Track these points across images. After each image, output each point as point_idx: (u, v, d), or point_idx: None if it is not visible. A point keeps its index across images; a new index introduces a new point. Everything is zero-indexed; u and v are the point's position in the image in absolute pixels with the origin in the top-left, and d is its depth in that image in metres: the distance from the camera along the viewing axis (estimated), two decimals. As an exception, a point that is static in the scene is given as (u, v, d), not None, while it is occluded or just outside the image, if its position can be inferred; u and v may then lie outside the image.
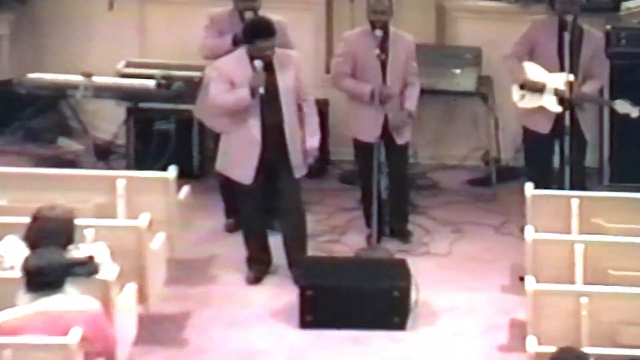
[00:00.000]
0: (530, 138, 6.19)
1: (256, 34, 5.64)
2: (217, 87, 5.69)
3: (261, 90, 5.58)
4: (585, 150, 6.20)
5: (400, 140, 6.10)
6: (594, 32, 6.22)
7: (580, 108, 6.06)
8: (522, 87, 6.09)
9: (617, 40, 6.77)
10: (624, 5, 7.06)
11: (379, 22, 6.00)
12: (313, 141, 5.74)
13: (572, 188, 5.89)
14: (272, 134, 5.66)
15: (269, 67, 5.66)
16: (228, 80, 5.64)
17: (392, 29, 6.10)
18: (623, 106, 6.05)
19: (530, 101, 6.10)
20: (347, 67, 6.08)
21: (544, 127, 6.06)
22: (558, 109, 6.00)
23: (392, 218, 6.26)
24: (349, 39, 6.16)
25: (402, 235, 6.22)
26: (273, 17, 5.96)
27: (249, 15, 6.00)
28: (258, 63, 5.59)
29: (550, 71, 6.07)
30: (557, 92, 6.00)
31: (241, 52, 5.70)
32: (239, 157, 5.70)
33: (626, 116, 6.05)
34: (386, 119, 6.06)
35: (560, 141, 6.04)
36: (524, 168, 6.49)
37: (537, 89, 6.04)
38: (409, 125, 6.13)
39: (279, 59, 5.70)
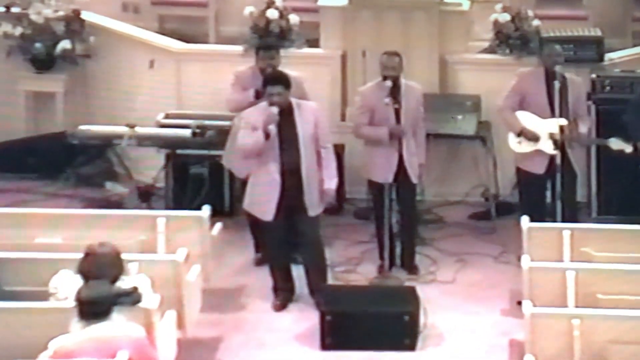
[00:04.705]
0: (525, 178, 6.18)
1: (266, 82, 5.76)
2: (242, 134, 5.76)
3: (272, 127, 5.57)
4: (576, 185, 6.19)
5: (415, 179, 6.10)
6: (575, 78, 6.23)
7: (572, 147, 6.06)
8: (519, 135, 6.11)
9: (602, 87, 6.79)
10: (607, 56, 7.08)
11: (390, 76, 6.07)
12: (330, 184, 5.76)
13: (565, 220, 5.88)
14: (291, 177, 5.70)
15: (289, 116, 5.72)
16: (252, 127, 5.70)
17: (403, 80, 6.15)
18: (617, 143, 6.03)
19: (527, 146, 6.11)
20: (364, 118, 6.13)
21: (539, 168, 6.05)
22: (554, 151, 6.00)
23: (402, 252, 6.26)
24: (364, 92, 6.21)
25: (410, 269, 6.23)
26: (291, 73, 6.04)
27: (268, 70, 6.08)
28: (273, 109, 5.65)
29: (542, 117, 6.10)
30: (552, 136, 6.02)
31: (264, 103, 5.78)
32: (262, 196, 5.74)
33: (621, 152, 6.02)
34: (400, 161, 6.09)
35: (553, 179, 6.05)
36: (519, 204, 6.51)
37: (534, 136, 6.06)
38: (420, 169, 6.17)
39: (300, 108, 5.76)
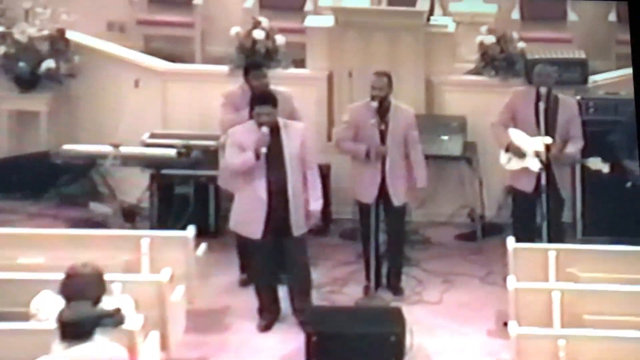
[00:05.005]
0: (515, 196, 6.24)
1: (254, 102, 5.76)
2: (229, 151, 5.77)
3: (264, 150, 5.62)
4: (562, 207, 6.21)
5: (397, 202, 6.11)
6: (568, 100, 6.28)
7: (558, 167, 6.09)
8: (507, 150, 6.15)
9: (587, 109, 6.82)
10: (592, 78, 7.13)
11: (377, 97, 6.09)
12: (316, 205, 5.77)
13: (550, 241, 5.90)
14: (277, 196, 5.70)
15: (276, 135, 5.72)
16: (238, 145, 5.71)
17: (393, 101, 6.15)
18: (595, 163, 6.10)
19: (516, 163, 6.15)
20: (349, 133, 6.14)
21: (527, 186, 6.09)
22: (539, 169, 6.03)
23: (387, 273, 6.25)
24: (353, 109, 6.23)
25: (395, 290, 6.22)
26: (280, 89, 6.06)
27: (261, 89, 6.07)
28: (264, 129, 5.66)
29: (530, 135, 6.14)
30: (537, 154, 6.05)
31: (251, 122, 5.78)
32: (247, 215, 5.73)
33: (598, 172, 6.09)
34: (383, 181, 6.10)
35: (540, 199, 6.07)
36: (506, 224, 6.53)
37: (520, 152, 6.10)
38: (406, 189, 6.13)
39: (287, 128, 5.77)
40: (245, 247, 6.03)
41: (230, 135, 5.84)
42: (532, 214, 6.13)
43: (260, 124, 5.69)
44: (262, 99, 5.77)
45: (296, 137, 5.77)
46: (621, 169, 6.19)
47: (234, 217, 5.85)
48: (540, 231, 6.04)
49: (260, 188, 5.70)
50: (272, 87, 6.18)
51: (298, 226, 5.76)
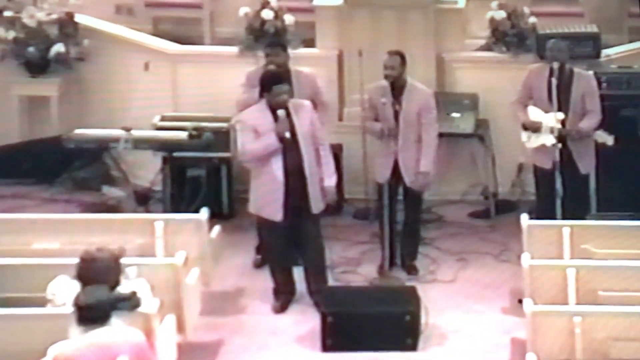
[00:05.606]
0: (536, 173, 6.24)
1: (272, 82, 5.71)
2: (244, 137, 5.75)
3: (287, 135, 5.63)
4: (583, 182, 6.18)
5: (409, 183, 6.08)
6: (583, 73, 6.24)
7: (575, 142, 6.04)
8: (524, 128, 6.14)
9: (599, 83, 6.79)
10: (604, 52, 7.09)
11: (390, 76, 6.07)
12: (330, 181, 5.78)
13: (566, 217, 5.86)
14: (294, 177, 5.70)
15: (287, 115, 5.71)
16: (252, 129, 5.70)
17: (409, 81, 6.13)
18: (601, 136, 6.09)
19: (535, 141, 6.14)
20: (371, 113, 6.16)
21: (545, 162, 6.07)
22: (553, 145, 6.01)
23: (403, 253, 6.26)
24: (369, 89, 6.24)
25: (410, 269, 6.23)
26: (304, 70, 6.03)
27: (270, 68, 6.03)
28: (281, 112, 5.65)
29: (545, 112, 6.12)
30: (552, 130, 6.04)
31: (261, 103, 5.76)
32: (267, 198, 5.73)
33: (603, 145, 6.08)
34: (396, 162, 6.09)
35: (562, 175, 6.01)
36: (519, 201, 6.51)
37: (535, 129, 6.08)
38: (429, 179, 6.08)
39: (295, 107, 5.75)
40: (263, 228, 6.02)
41: (242, 120, 5.82)
42: (553, 190, 6.10)
43: (277, 104, 5.65)
44: (279, 79, 5.71)
45: (305, 115, 5.76)
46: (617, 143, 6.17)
47: (253, 200, 5.84)
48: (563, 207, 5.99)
49: (277, 170, 5.69)
50: (295, 67, 6.15)
51: (317, 204, 5.76)
